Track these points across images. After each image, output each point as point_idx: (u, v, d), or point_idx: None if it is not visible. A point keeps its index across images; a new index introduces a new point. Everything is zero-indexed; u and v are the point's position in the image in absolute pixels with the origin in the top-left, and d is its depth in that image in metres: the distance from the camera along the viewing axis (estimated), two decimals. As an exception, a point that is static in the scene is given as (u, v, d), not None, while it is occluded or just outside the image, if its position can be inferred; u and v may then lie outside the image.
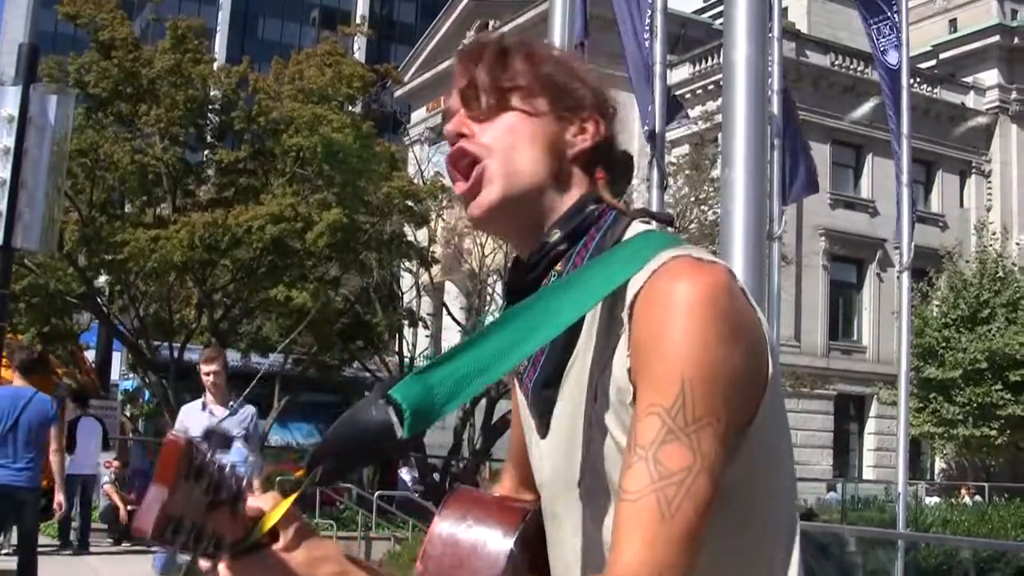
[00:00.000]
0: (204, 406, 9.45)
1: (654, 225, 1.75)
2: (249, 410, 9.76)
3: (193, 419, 9.20)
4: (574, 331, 1.62)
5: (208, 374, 9.50)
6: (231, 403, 9.59)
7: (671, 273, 1.50)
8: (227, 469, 1.34)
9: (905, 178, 14.57)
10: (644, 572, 1.40)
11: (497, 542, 1.69)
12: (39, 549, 16.15)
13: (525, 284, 1.71)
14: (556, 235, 1.69)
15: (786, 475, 1.65)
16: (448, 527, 1.72)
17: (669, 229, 1.84)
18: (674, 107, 12.54)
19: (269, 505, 1.37)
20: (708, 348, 1.45)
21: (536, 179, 1.70)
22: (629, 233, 1.69)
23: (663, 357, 1.46)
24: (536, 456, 1.77)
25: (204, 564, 1.33)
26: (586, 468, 1.62)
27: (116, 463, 19.91)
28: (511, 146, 1.71)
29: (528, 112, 1.73)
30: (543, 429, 1.73)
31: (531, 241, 1.73)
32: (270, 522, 1.36)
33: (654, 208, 11.64)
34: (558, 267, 1.69)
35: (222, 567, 1.34)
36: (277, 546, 1.36)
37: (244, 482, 1.36)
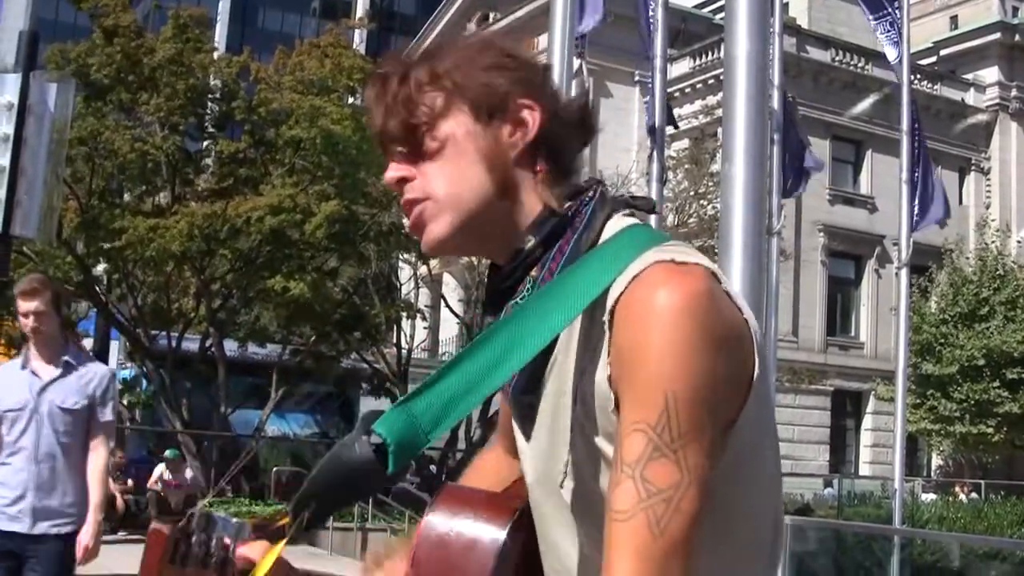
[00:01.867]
0: (25, 364, 6.18)
1: (636, 216, 1.71)
2: (96, 371, 6.33)
3: (7, 382, 6.21)
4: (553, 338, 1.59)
5: (27, 315, 6.11)
6: (66, 358, 6.21)
7: (651, 281, 1.48)
8: (213, 542, 1.34)
9: (905, 175, 14.58)
10: None
11: (489, 537, 1.68)
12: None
13: (500, 292, 1.69)
14: (530, 242, 1.65)
15: (770, 468, 1.63)
16: (438, 524, 1.70)
17: (651, 217, 1.81)
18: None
19: (258, 554, 1.37)
20: (691, 361, 1.43)
21: (479, 201, 1.65)
22: (608, 231, 1.65)
23: (645, 372, 1.44)
24: (522, 456, 1.76)
25: None
26: (568, 470, 1.61)
27: (121, 453, 19.97)
28: (451, 180, 1.65)
29: (454, 133, 1.66)
30: (527, 432, 1.72)
31: (498, 251, 1.71)
32: (260, 573, 1.35)
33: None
34: (533, 273, 1.66)
35: None
36: None
37: (231, 548, 1.35)
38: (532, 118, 1.66)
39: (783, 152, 13.89)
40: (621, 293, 1.50)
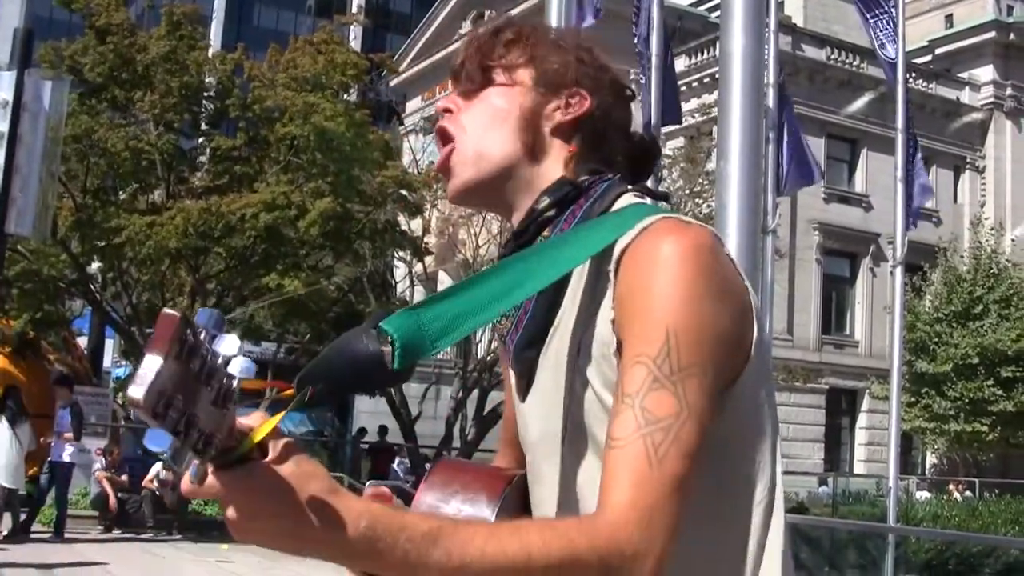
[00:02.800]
0: None
1: (647, 200, 1.77)
2: None
3: None
4: (559, 293, 1.66)
5: None
6: None
7: (658, 231, 1.55)
8: (220, 359, 1.31)
9: (900, 173, 14.59)
10: (633, 514, 1.41)
11: (482, 509, 1.71)
12: (31, 537, 16.28)
13: (514, 249, 1.73)
14: (545, 202, 1.73)
15: (767, 441, 1.65)
16: (432, 496, 1.74)
17: (663, 205, 1.86)
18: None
19: (257, 421, 1.36)
20: (693, 301, 1.49)
21: (505, 157, 1.76)
22: (619, 204, 1.72)
23: (649, 308, 1.50)
24: (522, 419, 1.79)
25: (193, 457, 1.30)
26: (569, 423, 1.64)
27: (116, 450, 19.95)
28: (483, 125, 1.77)
29: (507, 86, 1.79)
30: (525, 390, 1.76)
31: (515, 209, 1.78)
32: (260, 435, 1.33)
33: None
34: (545, 233, 1.72)
35: (210, 475, 1.31)
36: (266, 459, 1.34)
37: (235, 382, 1.32)
38: (580, 104, 1.78)
39: (777, 150, 13.89)
40: (628, 244, 1.56)
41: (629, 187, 1.76)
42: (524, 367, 1.75)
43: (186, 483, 1.32)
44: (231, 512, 1.32)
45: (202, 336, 1.28)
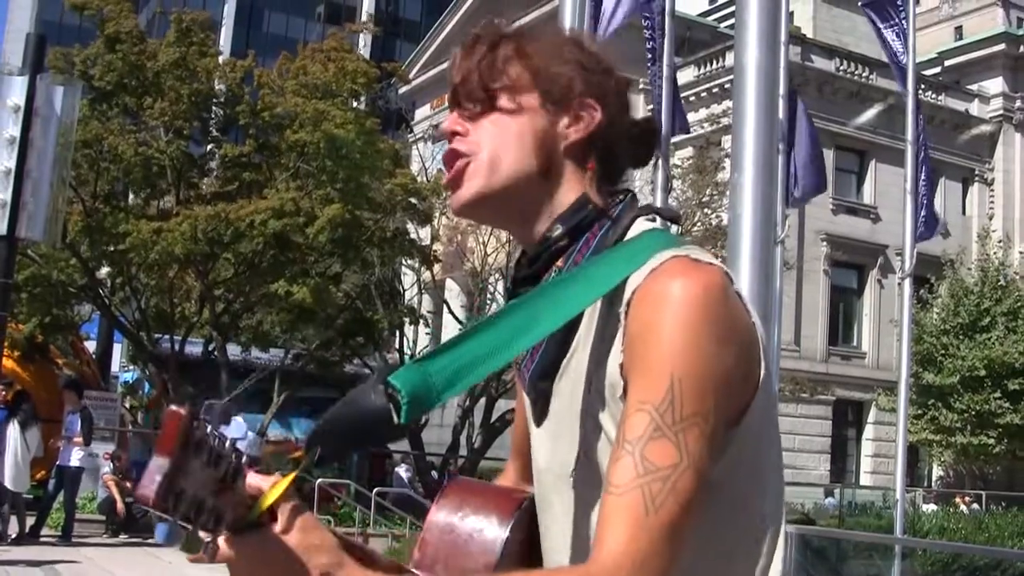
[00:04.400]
0: None
1: (658, 223, 1.77)
2: None
3: None
4: (572, 327, 1.66)
5: None
6: None
7: (668, 272, 1.54)
8: (227, 443, 1.34)
9: (909, 185, 14.57)
10: (627, 560, 1.43)
11: (493, 530, 1.74)
12: (40, 540, 16.32)
13: (526, 278, 1.74)
14: (558, 230, 1.72)
15: (773, 475, 1.68)
16: (445, 515, 1.76)
17: (673, 227, 1.88)
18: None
19: (268, 485, 1.38)
20: (699, 347, 1.49)
21: (519, 176, 1.72)
22: (633, 231, 1.71)
23: (654, 354, 1.50)
24: (534, 443, 1.81)
25: (204, 536, 1.33)
26: (580, 458, 1.66)
27: (124, 455, 19.96)
28: (498, 144, 1.73)
29: (516, 109, 1.74)
30: (539, 418, 1.76)
31: (524, 231, 1.77)
32: (270, 499, 1.36)
33: (658, 210, 11.60)
34: (559, 263, 1.72)
35: (221, 543, 1.34)
36: (275, 529, 1.36)
37: (244, 458, 1.36)
38: (591, 117, 1.74)
39: (787, 161, 13.88)
40: (639, 285, 1.56)
41: (640, 209, 1.75)
42: (538, 396, 1.76)
43: (199, 559, 1.36)
44: None
45: (208, 428, 1.32)
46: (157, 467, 1.24)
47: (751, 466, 1.62)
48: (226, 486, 1.31)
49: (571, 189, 1.74)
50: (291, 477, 1.43)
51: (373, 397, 1.52)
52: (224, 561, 1.35)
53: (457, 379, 1.54)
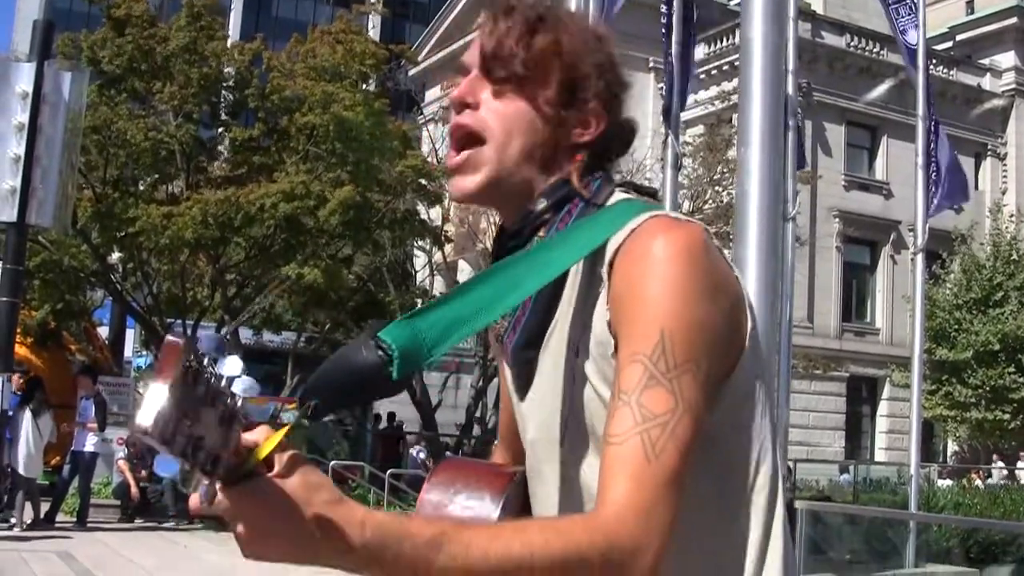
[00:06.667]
0: None
1: (634, 195, 1.78)
2: None
3: None
4: (556, 294, 1.69)
5: None
6: None
7: (649, 230, 1.58)
8: (224, 381, 1.33)
9: (921, 160, 14.54)
10: (632, 510, 1.44)
11: (485, 507, 1.75)
12: (55, 526, 16.40)
13: (508, 250, 1.75)
14: (542, 204, 1.74)
15: (766, 434, 1.68)
16: (437, 494, 1.77)
17: (667, 203, 1.88)
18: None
19: (263, 436, 1.37)
20: (686, 298, 1.52)
21: (523, 170, 1.74)
22: (611, 202, 1.73)
23: (643, 308, 1.53)
24: (520, 417, 1.82)
25: (202, 479, 1.32)
26: (569, 422, 1.68)
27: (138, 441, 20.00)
28: (509, 133, 1.73)
29: (535, 101, 1.74)
30: (523, 390, 1.78)
31: (510, 212, 1.79)
32: (266, 450, 1.35)
33: (668, 188, 11.62)
34: (541, 233, 1.74)
35: (218, 492, 1.33)
36: (272, 473, 1.35)
37: (240, 400, 1.34)
38: (596, 125, 1.76)
39: (798, 137, 13.83)
40: (620, 244, 1.59)
41: (618, 184, 1.78)
42: (522, 367, 1.77)
43: (195, 503, 1.33)
44: (240, 528, 1.35)
45: (205, 360, 1.30)
46: (154, 394, 1.21)
47: (743, 423, 1.65)
48: (223, 426, 1.30)
49: (561, 176, 1.76)
50: (287, 428, 1.42)
51: (364, 352, 1.53)
52: (221, 511, 1.34)
53: (447, 335, 1.57)
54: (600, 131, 1.75)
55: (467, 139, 1.75)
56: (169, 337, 1.26)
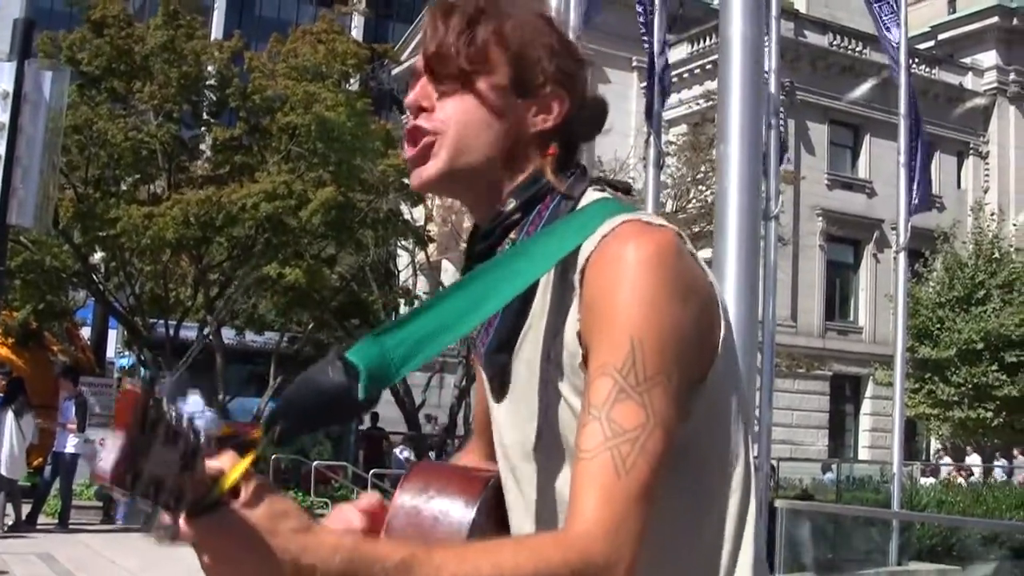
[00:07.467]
0: None
1: (608, 192, 1.76)
2: None
3: None
4: (528, 298, 1.66)
5: None
6: None
7: (620, 236, 1.54)
8: (184, 421, 1.32)
9: (903, 159, 14.59)
10: (601, 527, 1.42)
11: (459, 512, 1.72)
12: (37, 527, 16.33)
13: (481, 252, 1.73)
14: (512, 204, 1.71)
15: (739, 435, 1.67)
16: (410, 499, 1.75)
17: (648, 202, 1.86)
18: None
19: (228, 464, 1.35)
20: (657, 308, 1.50)
21: (483, 160, 1.70)
22: (584, 201, 1.70)
23: (613, 318, 1.51)
24: (495, 421, 1.80)
25: (166, 516, 1.30)
26: (542, 431, 1.66)
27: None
28: (465, 125, 1.70)
29: (488, 93, 1.71)
30: (499, 394, 1.76)
31: (481, 209, 1.75)
32: (230, 480, 1.33)
33: (650, 187, 11.62)
34: (512, 235, 1.71)
35: (183, 525, 1.31)
36: (238, 503, 1.33)
37: (202, 436, 1.33)
38: (559, 108, 1.72)
39: (780, 136, 13.84)
40: (592, 251, 1.56)
41: (591, 180, 1.75)
42: (496, 371, 1.75)
43: (159, 539, 1.32)
44: (206, 559, 1.33)
45: (164, 403, 1.29)
46: (114, 445, 1.22)
47: (715, 429, 1.63)
48: (186, 464, 1.29)
49: (533, 172, 1.73)
50: (251, 457, 1.40)
51: (331, 374, 1.49)
52: (186, 542, 1.32)
53: (414, 353, 1.54)
54: (563, 112, 1.72)
55: (421, 136, 1.73)
56: (126, 386, 1.26)
